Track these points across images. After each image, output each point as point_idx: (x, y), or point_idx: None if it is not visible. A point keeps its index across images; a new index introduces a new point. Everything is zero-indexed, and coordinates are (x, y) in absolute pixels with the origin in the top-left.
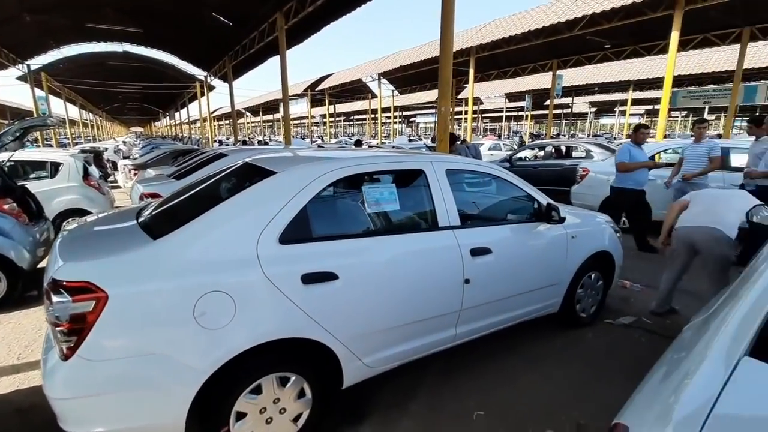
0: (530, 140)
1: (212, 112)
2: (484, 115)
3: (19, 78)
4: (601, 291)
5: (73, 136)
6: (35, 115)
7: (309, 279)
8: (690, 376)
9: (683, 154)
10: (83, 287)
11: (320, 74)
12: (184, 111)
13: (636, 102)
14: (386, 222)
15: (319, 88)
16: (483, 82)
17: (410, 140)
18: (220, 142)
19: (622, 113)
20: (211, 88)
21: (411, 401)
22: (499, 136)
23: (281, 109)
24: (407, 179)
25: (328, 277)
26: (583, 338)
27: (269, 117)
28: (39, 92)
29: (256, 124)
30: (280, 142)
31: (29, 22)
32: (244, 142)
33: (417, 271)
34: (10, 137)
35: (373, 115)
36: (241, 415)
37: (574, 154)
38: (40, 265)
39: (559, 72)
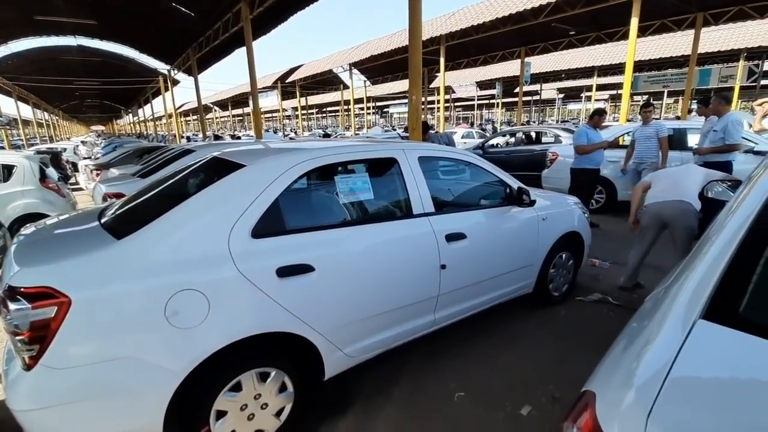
0: (502, 128)
1: (178, 108)
2: (456, 104)
3: None
4: (572, 270)
5: (27, 137)
6: None
7: (284, 272)
8: (650, 342)
9: (633, 137)
10: (43, 293)
11: (289, 66)
12: (147, 107)
13: (601, 87)
14: (361, 211)
15: (290, 79)
16: (454, 70)
17: (385, 131)
18: (188, 139)
19: (588, 99)
20: (175, 82)
21: (394, 387)
22: (472, 125)
23: (251, 103)
24: (380, 168)
25: (304, 269)
26: (556, 316)
27: (239, 111)
28: None
29: (226, 119)
30: (251, 136)
31: None
32: (217, 137)
33: (394, 259)
34: None
35: (345, 107)
36: (221, 414)
37: (544, 139)
38: None
39: (527, 59)
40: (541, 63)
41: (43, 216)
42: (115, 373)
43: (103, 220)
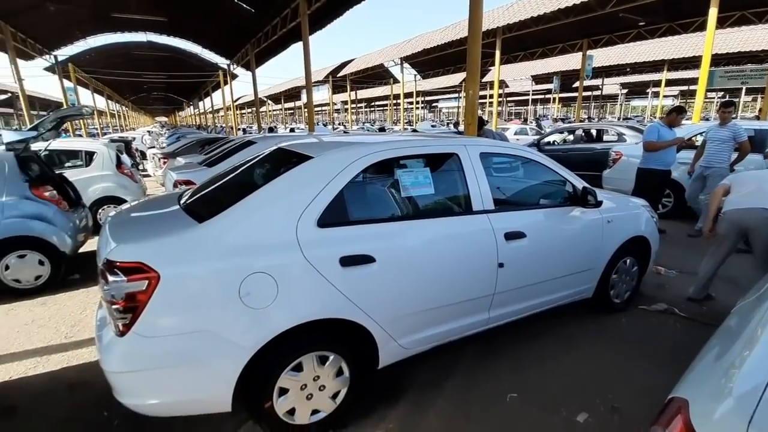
0: (557, 125)
1: (235, 101)
2: (509, 98)
3: (47, 69)
4: (636, 277)
5: (101, 126)
6: (65, 106)
7: (347, 261)
8: (749, 351)
9: (707, 137)
10: (136, 267)
11: (341, 61)
12: (207, 100)
13: (670, 83)
14: (421, 206)
15: (341, 74)
16: (509, 64)
17: (432, 126)
18: (244, 131)
19: (655, 95)
20: (233, 76)
21: (446, 381)
22: (525, 120)
23: (303, 96)
24: (441, 163)
25: (366, 259)
26: (616, 324)
27: (290, 104)
28: (67, 83)
29: (278, 111)
30: (303, 129)
31: (53, 11)
32: (271, 129)
33: (451, 255)
34: (47, 126)
35: (395, 101)
36: (283, 391)
37: (605, 137)
38: (80, 250)
39: (589, 52)
40: (604, 56)
41: (118, 199)
42: (194, 344)
43: (183, 204)
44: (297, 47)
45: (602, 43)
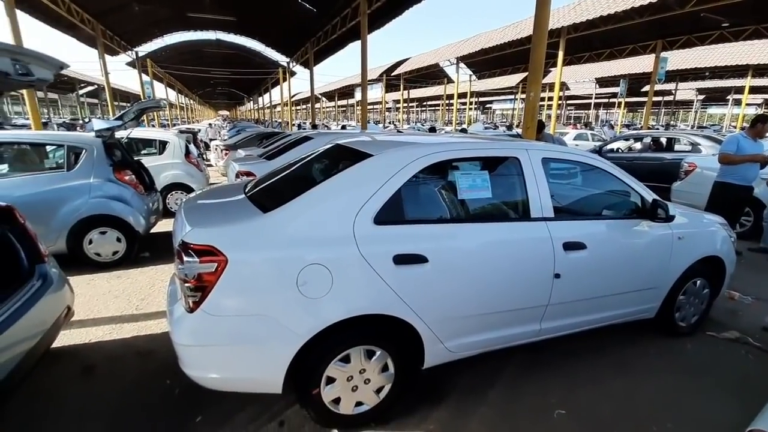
0: (622, 131)
1: (291, 97)
2: (569, 101)
3: (128, 64)
4: (706, 300)
5: (171, 118)
6: (142, 98)
7: (400, 260)
8: None
9: None
10: (208, 250)
11: (392, 60)
12: (266, 96)
13: (754, 90)
14: (477, 209)
15: (395, 73)
16: (572, 65)
17: (486, 128)
18: (299, 126)
19: (737, 102)
20: (292, 74)
21: (490, 389)
22: (586, 125)
23: (356, 94)
24: (500, 166)
25: (419, 259)
26: (680, 349)
27: (343, 102)
28: (144, 77)
29: (330, 109)
30: (355, 126)
31: (137, 11)
32: (314, 126)
33: (505, 261)
34: (130, 116)
35: (447, 101)
36: (330, 380)
37: (677, 147)
38: (151, 231)
39: (663, 54)
40: (679, 58)
41: (185, 186)
42: (254, 326)
43: (248, 194)
44: (353, 46)
45: (679, 44)
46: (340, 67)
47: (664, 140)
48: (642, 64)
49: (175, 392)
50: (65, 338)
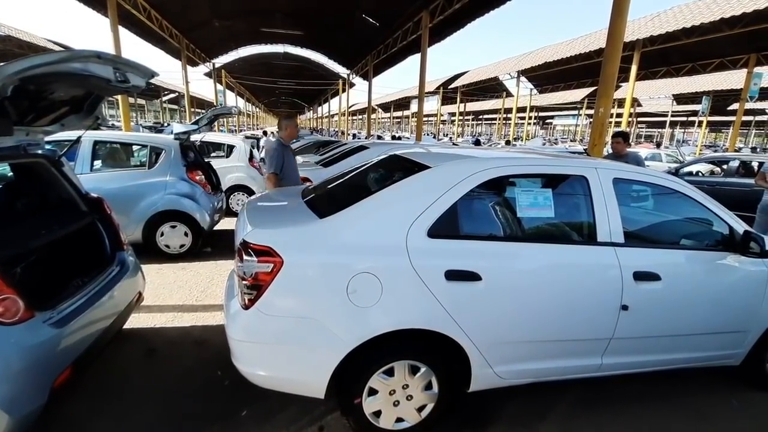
0: (683, 150)
1: (349, 108)
2: (639, 119)
3: (206, 74)
4: None
5: (239, 125)
6: (215, 106)
7: (452, 276)
8: None
9: None
10: (265, 251)
11: (445, 74)
12: (325, 106)
13: None
14: (538, 229)
15: (453, 85)
16: (645, 80)
17: (544, 144)
18: (354, 135)
19: None
20: (351, 85)
21: (540, 424)
22: (658, 145)
23: (412, 106)
24: (566, 185)
25: (472, 276)
26: None
27: (398, 113)
28: (218, 86)
29: (386, 120)
30: (409, 138)
31: (218, 27)
32: (354, 135)
33: (566, 286)
34: (204, 121)
35: (505, 115)
36: (373, 391)
37: None
38: (214, 228)
39: (756, 69)
40: None
41: (247, 188)
42: (303, 329)
43: (305, 200)
44: (410, 59)
45: None
46: (394, 80)
47: (755, 164)
48: (729, 80)
49: (225, 383)
50: (134, 321)
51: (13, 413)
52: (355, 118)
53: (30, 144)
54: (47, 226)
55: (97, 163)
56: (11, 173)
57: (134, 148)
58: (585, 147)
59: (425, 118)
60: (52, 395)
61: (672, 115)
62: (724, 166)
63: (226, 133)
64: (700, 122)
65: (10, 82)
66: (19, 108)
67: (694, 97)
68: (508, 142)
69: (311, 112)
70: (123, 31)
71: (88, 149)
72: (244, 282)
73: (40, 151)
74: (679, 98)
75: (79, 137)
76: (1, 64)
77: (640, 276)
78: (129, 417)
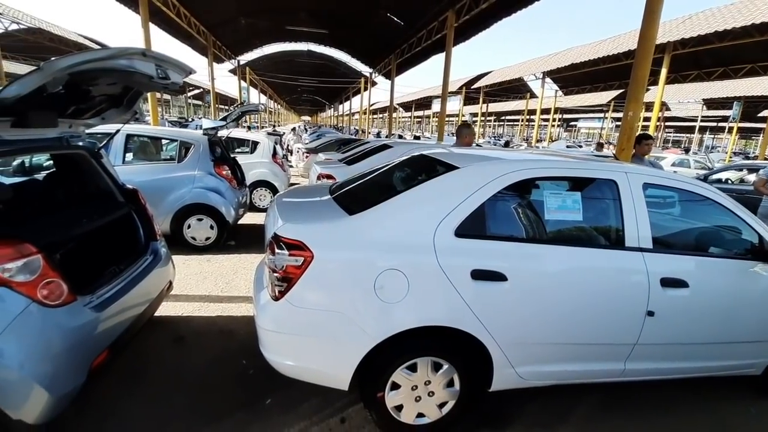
0: (712, 157)
1: (370, 106)
2: (668, 123)
3: (230, 71)
4: None
5: (261, 121)
6: (239, 102)
7: (478, 275)
8: None
9: None
10: (296, 245)
11: (467, 73)
12: (346, 104)
13: None
14: (565, 231)
15: (476, 86)
16: (675, 84)
17: (568, 147)
18: (378, 134)
19: None
20: (373, 84)
21: (560, 426)
22: (686, 150)
23: (434, 106)
24: (595, 189)
25: (497, 276)
26: None
27: (419, 113)
28: (242, 83)
29: (406, 119)
30: (429, 137)
31: (243, 24)
32: (401, 137)
33: (592, 290)
34: (232, 118)
35: (529, 116)
36: (395, 386)
37: None
38: (238, 222)
39: None
40: None
41: (270, 184)
42: (331, 322)
43: (334, 196)
44: (434, 58)
45: None
46: (415, 78)
47: None
48: (760, 85)
49: (250, 372)
50: (164, 309)
51: (53, 392)
52: (375, 116)
53: (72, 136)
54: (86, 215)
55: (129, 156)
56: (53, 164)
57: (164, 142)
58: (614, 151)
59: (447, 118)
60: (90, 376)
61: (701, 120)
62: (754, 175)
63: (257, 129)
64: (730, 128)
65: (61, 77)
66: (64, 101)
67: (724, 102)
68: (599, 145)
69: (332, 110)
70: (152, 28)
71: (121, 142)
72: (275, 274)
73: (81, 143)
74: (710, 103)
75: (118, 130)
76: (53, 58)
77: (668, 282)
78: (158, 400)
